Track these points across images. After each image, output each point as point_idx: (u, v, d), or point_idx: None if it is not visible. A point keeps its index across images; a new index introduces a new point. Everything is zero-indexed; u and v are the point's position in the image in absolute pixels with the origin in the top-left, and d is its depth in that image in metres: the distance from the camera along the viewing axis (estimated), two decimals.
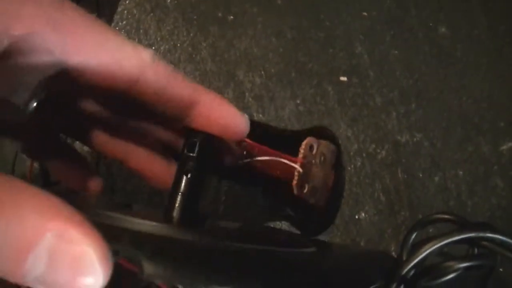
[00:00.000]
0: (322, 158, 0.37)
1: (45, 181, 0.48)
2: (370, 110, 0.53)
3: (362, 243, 0.50)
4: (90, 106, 0.32)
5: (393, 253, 0.49)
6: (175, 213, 0.28)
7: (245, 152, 0.34)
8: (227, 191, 0.39)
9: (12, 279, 0.18)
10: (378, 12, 0.55)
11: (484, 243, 0.30)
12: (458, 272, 0.31)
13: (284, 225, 0.48)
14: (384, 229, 0.50)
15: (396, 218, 0.50)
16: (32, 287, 0.18)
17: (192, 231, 0.25)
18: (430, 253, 0.29)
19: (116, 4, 0.56)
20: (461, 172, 0.51)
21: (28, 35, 0.24)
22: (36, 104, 0.27)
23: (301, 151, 0.36)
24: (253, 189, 0.39)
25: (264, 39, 0.55)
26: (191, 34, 0.55)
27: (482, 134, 0.51)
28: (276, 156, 0.35)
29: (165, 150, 0.35)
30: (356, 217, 0.50)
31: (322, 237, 0.38)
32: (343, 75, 0.53)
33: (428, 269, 0.30)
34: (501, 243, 0.30)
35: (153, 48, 0.55)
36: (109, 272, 0.18)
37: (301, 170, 0.35)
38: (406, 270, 0.29)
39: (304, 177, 0.36)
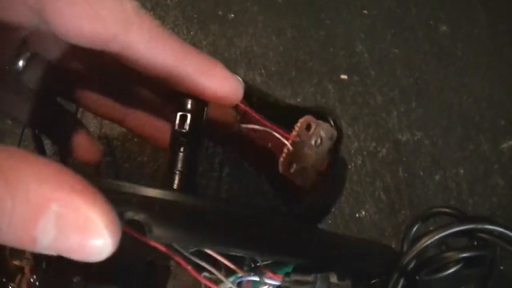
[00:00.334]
0: (318, 140, 0.36)
1: None
2: (371, 108, 0.53)
3: None
4: (78, 66, 0.31)
5: None
6: (175, 187, 0.27)
7: (238, 117, 0.33)
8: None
9: (26, 248, 0.18)
10: (378, 10, 0.55)
11: (483, 235, 0.30)
12: (458, 267, 0.31)
13: None
14: (384, 227, 0.50)
15: (396, 217, 0.50)
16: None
17: (196, 197, 0.25)
18: (429, 244, 0.29)
19: None
20: (461, 171, 0.50)
21: None
22: (25, 63, 0.27)
23: (296, 128, 0.34)
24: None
25: (265, 38, 0.55)
26: (192, 33, 0.55)
27: (482, 133, 0.51)
28: (268, 127, 0.34)
29: (162, 107, 0.34)
30: (357, 215, 0.50)
31: None
32: (344, 74, 0.53)
33: (427, 261, 0.30)
34: (500, 235, 0.30)
35: None
36: (117, 234, 0.18)
37: (291, 148, 0.34)
38: (406, 261, 0.29)
39: (293, 156, 0.34)
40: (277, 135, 0.34)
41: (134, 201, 0.21)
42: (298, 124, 0.34)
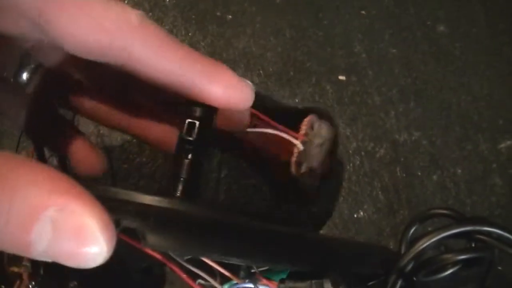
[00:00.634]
0: (321, 140, 0.35)
1: None
2: (369, 108, 0.53)
3: None
4: (81, 75, 0.31)
5: None
6: (179, 194, 0.27)
7: (253, 122, 0.32)
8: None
9: (22, 253, 0.18)
10: (376, 10, 0.55)
11: (482, 237, 0.30)
12: (456, 268, 0.31)
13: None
14: (383, 227, 0.50)
15: (395, 217, 0.50)
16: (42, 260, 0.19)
17: (194, 204, 0.25)
18: (428, 245, 0.29)
19: None
20: (459, 171, 0.50)
21: None
22: (29, 75, 0.27)
23: (303, 127, 0.33)
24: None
25: (263, 38, 0.55)
26: (190, 33, 0.55)
27: (481, 133, 0.51)
28: (277, 129, 0.33)
29: (167, 111, 0.33)
30: (355, 215, 0.50)
31: None
32: (342, 74, 0.53)
33: (425, 263, 0.30)
34: (498, 237, 0.30)
35: None
36: (112, 241, 0.18)
37: (301, 147, 0.33)
38: (404, 262, 0.29)
39: (302, 156, 0.33)
40: (285, 136, 0.33)
41: (130, 209, 0.21)
42: (305, 124, 0.34)
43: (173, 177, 0.27)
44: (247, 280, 0.29)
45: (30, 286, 0.26)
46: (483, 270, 0.33)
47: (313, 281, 0.27)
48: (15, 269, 0.26)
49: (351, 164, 0.51)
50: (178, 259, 0.25)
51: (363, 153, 0.52)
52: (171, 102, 0.30)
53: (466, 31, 0.54)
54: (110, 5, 0.24)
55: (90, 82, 0.32)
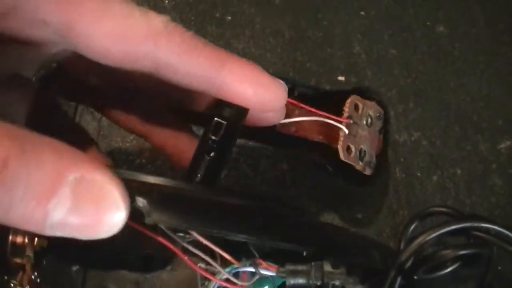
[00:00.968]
0: (369, 120, 0.34)
1: None
2: None
3: None
4: (104, 82, 0.30)
5: None
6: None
7: (297, 111, 0.30)
8: None
9: (33, 226, 0.18)
10: (376, 11, 0.55)
11: (480, 233, 0.30)
12: (455, 266, 0.31)
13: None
14: (383, 228, 0.50)
15: (394, 217, 0.50)
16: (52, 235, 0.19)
17: (198, 185, 0.26)
18: (427, 242, 0.29)
19: None
20: (459, 171, 0.50)
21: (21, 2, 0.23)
22: (42, 76, 0.27)
23: (346, 109, 0.32)
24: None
25: (262, 39, 0.55)
26: None
27: (480, 133, 0.51)
28: (317, 116, 0.31)
29: (188, 123, 0.33)
30: (355, 216, 0.50)
31: None
32: (341, 75, 0.54)
33: (425, 260, 0.30)
34: (497, 234, 0.30)
35: None
36: (129, 209, 0.19)
37: (346, 131, 0.32)
38: (403, 259, 0.29)
39: (349, 140, 0.32)
40: (328, 120, 0.31)
41: (135, 186, 0.22)
42: (347, 105, 0.32)
43: (188, 172, 0.27)
44: (248, 264, 0.29)
45: (33, 277, 0.26)
46: (483, 269, 0.33)
47: (313, 263, 0.27)
48: (18, 260, 0.27)
49: None
50: (180, 241, 0.25)
51: None
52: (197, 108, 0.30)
53: (465, 32, 0.54)
54: (133, 12, 0.24)
55: (114, 89, 0.31)
